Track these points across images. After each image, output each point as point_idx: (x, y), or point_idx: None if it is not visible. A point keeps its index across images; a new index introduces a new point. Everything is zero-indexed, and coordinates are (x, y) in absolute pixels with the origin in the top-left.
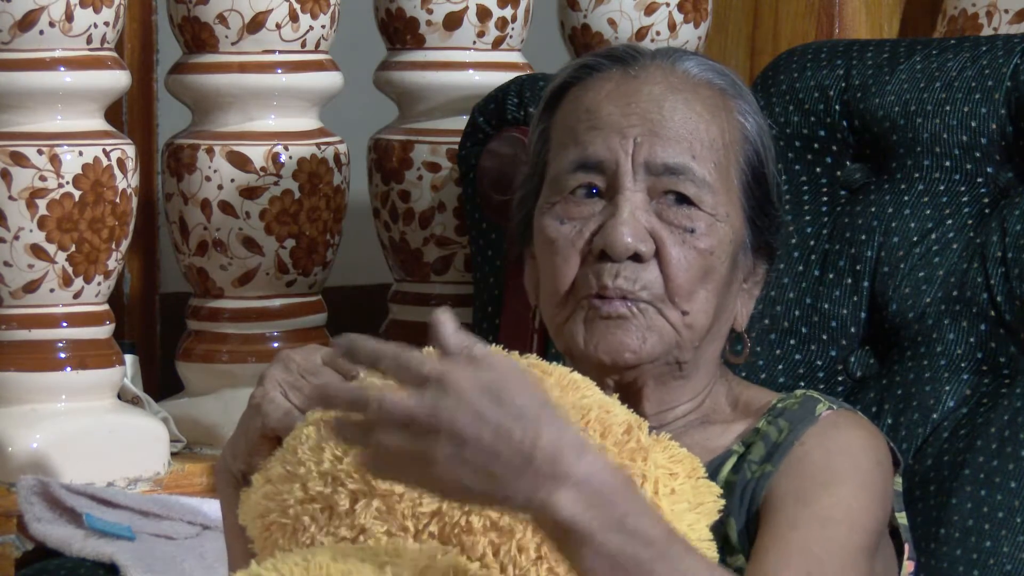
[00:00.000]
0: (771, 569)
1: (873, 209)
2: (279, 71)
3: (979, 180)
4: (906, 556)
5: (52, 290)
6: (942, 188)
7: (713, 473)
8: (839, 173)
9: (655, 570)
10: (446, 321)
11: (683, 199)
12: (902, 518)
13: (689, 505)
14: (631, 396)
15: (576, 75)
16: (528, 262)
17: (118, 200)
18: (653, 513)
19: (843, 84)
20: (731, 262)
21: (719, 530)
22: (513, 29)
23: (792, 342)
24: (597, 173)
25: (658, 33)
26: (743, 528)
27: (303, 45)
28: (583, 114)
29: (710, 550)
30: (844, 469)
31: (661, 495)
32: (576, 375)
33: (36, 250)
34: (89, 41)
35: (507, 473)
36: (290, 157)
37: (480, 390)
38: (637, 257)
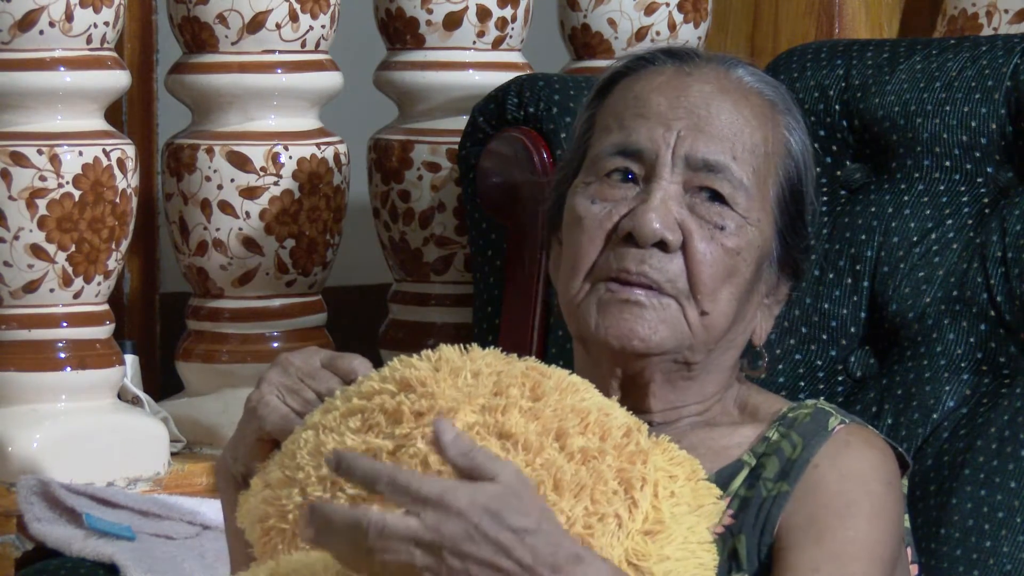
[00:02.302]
0: None
1: (873, 209)
2: (279, 71)
3: (979, 180)
4: (909, 560)
5: (52, 290)
6: (942, 188)
7: (724, 483)
8: (839, 173)
9: None
10: (447, 430)
11: (717, 197)
12: (905, 521)
13: (689, 508)
14: (637, 390)
15: (630, 66)
16: (555, 248)
17: (118, 200)
18: None
19: (843, 84)
20: (755, 268)
21: (728, 543)
22: (513, 29)
23: (792, 342)
24: (636, 160)
25: (658, 33)
26: (755, 546)
27: (303, 45)
28: (631, 101)
29: (710, 553)
30: (857, 497)
31: (661, 498)
32: (575, 377)
33: (36, 250)
34: (89, 41)
35: None
36: (290, 157)
37: (480, 510)
38: (663, 246)
